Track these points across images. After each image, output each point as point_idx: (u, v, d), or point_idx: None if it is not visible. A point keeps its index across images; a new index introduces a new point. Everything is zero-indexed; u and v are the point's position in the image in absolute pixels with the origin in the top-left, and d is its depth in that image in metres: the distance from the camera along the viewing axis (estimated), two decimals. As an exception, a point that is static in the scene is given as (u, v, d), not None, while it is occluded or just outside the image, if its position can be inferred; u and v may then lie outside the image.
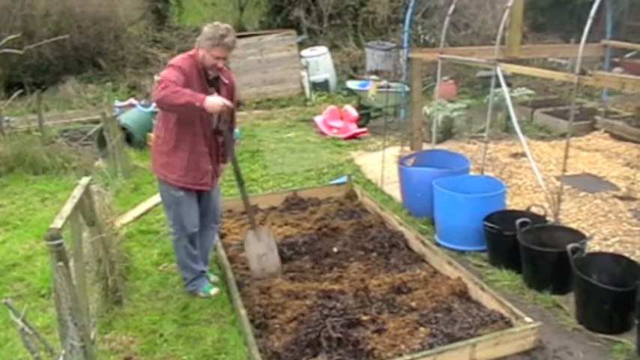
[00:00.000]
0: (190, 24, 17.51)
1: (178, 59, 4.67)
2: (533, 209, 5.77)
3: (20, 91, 11.43)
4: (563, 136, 9.76)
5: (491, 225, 5.47)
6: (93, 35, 14.73)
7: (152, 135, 5.06)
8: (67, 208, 3.91)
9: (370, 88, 10.70)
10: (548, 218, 5.68)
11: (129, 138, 9.82)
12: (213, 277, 5.44)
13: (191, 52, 4.72)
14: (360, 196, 7.08)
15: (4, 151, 9.28)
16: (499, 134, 10.10)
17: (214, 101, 4.48)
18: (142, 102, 11.85)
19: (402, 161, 7.00)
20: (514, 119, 6.59)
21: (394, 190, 7.44)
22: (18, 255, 6.34)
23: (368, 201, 6.88)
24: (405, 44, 8.46)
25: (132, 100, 12.40)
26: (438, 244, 5.97)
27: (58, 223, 3.63)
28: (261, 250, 4.56)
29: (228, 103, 4.59)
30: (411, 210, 6.80)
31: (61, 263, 3.51)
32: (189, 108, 4.42)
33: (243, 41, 14.05)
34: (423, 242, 5.68)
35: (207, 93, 4.61)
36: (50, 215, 6.59)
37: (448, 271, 5.22)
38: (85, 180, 4.54)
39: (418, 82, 8.64)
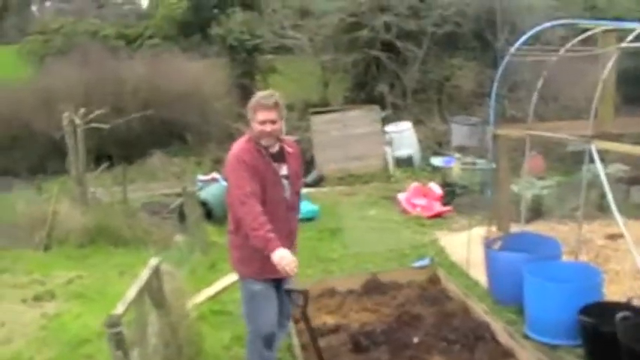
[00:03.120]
0: (276, 100, 17.70)
1: (236, 146, 4.47)
2: (635, 301, 5.26)
3: (107, 163, 11.69)
4: (662, 215, 9.15)
5: (587, 319, 4.98)
6: (179, 110, 15.05)
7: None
8: (132, 293, 3.74)
9: (454, 165, 10.37)
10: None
11: (209, 213, 9.77)
12: None
13: (245, 136, 4.54)
14: (444, 281, 6.68)
15: (88, 223, 9.38)
16: (593, 213, 9.52)
17: (283, 256, 4.06)
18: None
19: (488, 244, 6.60)
20: (610, 197, 6.08)
21: (480, 275, 7.01)
22: (90, 331, 6.21)
23: (452, 286, 6.47)
24: (491, 120, 8.11)
25: (215, 175, 12.46)
26: (527, 337, 5.50)
27: (119, 309, 3.46)
28: None
29: (296, 263, 4.13)
30: (498, 297, 6.35)
31: (119, 352, 3.32)
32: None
33: (327, 117, 14.09)
34: (511, 335, 5.22)
35: (274, 173, 4.41)
36: (126, 290, 6.50)
37: (540, 369, 4.75)
38: (153, 261, 4.39)
39: (504, 160, 8.27)
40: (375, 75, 16.40)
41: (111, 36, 19.71)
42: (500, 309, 6.14)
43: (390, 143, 13.55)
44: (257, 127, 4.36)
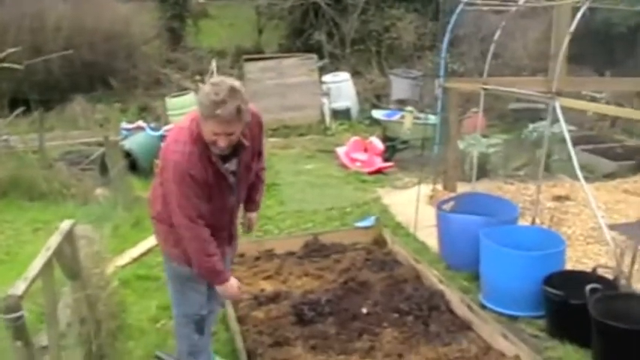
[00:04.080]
0: (207, 45, 16.81)
1: (179, 147, 3.42)
2: (601, 271, 4.88)
3: (23, 108, 10.72)
4: (607, 177, 8.92)
5: (556, 292, 4.56)
6: (104, 52, 14.03)
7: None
8: (36, 267, 3.07)
9: (405, 119, 9.82)
10: (622, 281, 4.75)
11: (134, 164, 9.00)
12: None
13: (192, 123, 3.44)
14: (391, 243, 6.19)
15: (-2, 174, 8.53)
16: (538, 174, 9.24)
17: (229, 286, 3.65)
18: (152, 125, 11.09)
19: (440, 206, 6.12)
20: (575, 160, 5.63)
21: (428, 237, 6.55)
22: (-4, 298, 5.49)
23: (400, 249, 5.99)
24: (442, 73, 7.61)
25: (140, 123, 11.61)
26: (483, 306, 5.09)
27: (19, 288, 2.79)
28: None
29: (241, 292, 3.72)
30: (451, 262, 5.89)
31: (19, 343, 2.67)
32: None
33: (261, 64, 13.34)
34: (469, 306, 4.78)
35: (223, 178, 3.54)
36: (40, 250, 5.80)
37: (502, 345, 4.32)
38: (65, 225, 3.70)
39: (455, 114, 7.82)
40: (312, 22, 15.64)
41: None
42: (452, 275, 5.69)
43: (327, 94, 12.90)
44: (207, 134, 3.33)
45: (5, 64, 8.88)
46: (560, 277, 4.80)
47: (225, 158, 3.51)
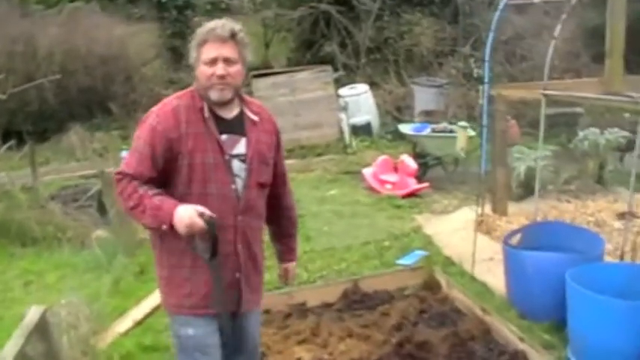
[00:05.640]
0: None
1: (168, 99, 2.96)
2: None
3: (13, 141, 9.86)
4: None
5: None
6: (101, 76, 13.14)
7: None
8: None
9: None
10: None
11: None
12: None
13: (185, 90, 3.00)
14: (446, 287, 5.13)
15: (-16, 217, 7.59)
16: (592, 187, 8.21)
17: (182, 219, 2.69)
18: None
19: (506, 240, 5.05)
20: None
21: (487, 275, 5.50)
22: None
23: (459, 295, 4.94)
24: (486, 79, 6.57)
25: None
26: (574, 368, 4.05)
27: None
28: None
29: (204, 213, 2.71)
30: (524, 309, 4.80)
31: None
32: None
33: (271, 80, 12.32)
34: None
35: (218, 150, 2.87)
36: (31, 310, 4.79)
37: None
38: (34, 314, 2.68)
39: (503, 125, 6.83)
40: (323, 33, 14.61)
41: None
42: (528, 325, 4.64)
43: (344, 109, 11.81)
44: (203, 72, 2.83)
45: (-14, 95, 8.00)
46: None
47: (225, 129, 2.91)
